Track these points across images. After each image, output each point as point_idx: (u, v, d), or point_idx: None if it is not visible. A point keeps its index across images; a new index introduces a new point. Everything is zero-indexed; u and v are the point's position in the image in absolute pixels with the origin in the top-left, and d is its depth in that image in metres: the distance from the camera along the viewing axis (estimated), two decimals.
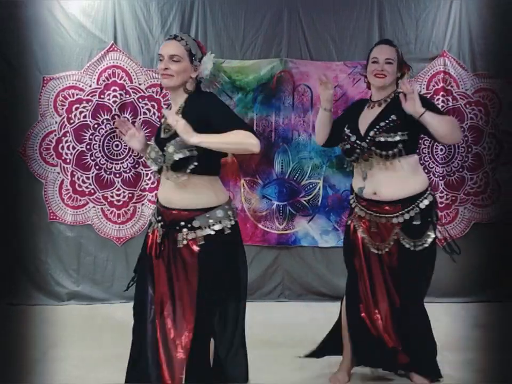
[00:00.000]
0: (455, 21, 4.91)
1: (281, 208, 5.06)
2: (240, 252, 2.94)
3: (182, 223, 2.75)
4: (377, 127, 3.22)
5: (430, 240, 3.27)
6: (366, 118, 3.36)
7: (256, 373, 3.54)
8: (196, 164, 2.67)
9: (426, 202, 3.26)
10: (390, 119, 3.22)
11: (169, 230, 2.79)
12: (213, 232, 2.74)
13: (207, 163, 2.68)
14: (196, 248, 2.75)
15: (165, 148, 2.72)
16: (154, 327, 2.77)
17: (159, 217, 2.82)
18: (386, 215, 3.28)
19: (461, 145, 5.00)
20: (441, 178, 5.02)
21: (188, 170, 2.70)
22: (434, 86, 4.93)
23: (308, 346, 3.97)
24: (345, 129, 3.38)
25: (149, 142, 2.92)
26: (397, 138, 3.18)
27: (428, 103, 3.21)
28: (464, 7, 4.88)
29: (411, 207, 3.24)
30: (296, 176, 5.06)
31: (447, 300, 4.96)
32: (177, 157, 2.67)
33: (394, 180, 3.25)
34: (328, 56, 4.96)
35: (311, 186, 5.08)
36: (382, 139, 3.19)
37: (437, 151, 5.00)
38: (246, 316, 4.45)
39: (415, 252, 3.26)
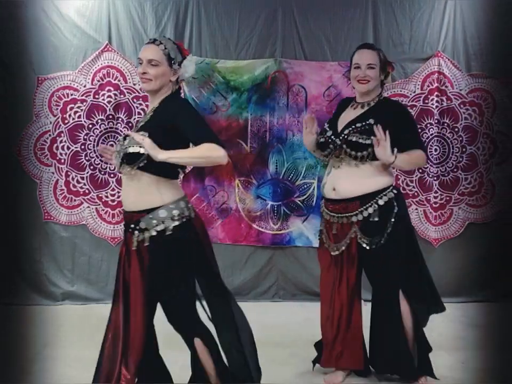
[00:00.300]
0: (450, 21, 4.93)
1: (275, 208, 5.07)
2: (195, 250, 2.86)
3: (133, 225, 2.79)
4: (353, 127, 3.24)
5: (386, 236, 3.23)
6: (346, 116, 3.37)
7: None
8: (145, 161, 2.68)
9: (385, 199, 3.23)
10: (367, 122, 3.23)
11: (126, 232, 2.85)
12: (154, 233, 2.74)
13: (157, 163, 2.67)
14: (144, 250, 2.77)
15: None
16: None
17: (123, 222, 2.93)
18: (347, 214, 3.28)
19: (456, 146, 5.01)
20: (435, 178, 5.03)
21: (136, 166, 2.71)
22: (428, 86, 4.93)
23: (302, 346, 3.96)
24: (325, 123, 3.42)
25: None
26: (368, 141, 3.17)
27: (407, 127, 3.25)
28: (458, 7, 4.91)
29: (369, 203, 3.23)
30: (290, 176, 5.06)
31: (442, 300, 4.52)
32: (128, 150, 2.71)
33: (354, 178, 3.25)
34: (323, 56, 4.96)
35: (305, 186, 5.07)
36: (354, 139, 3.20)
37: (431, 151, 4.99)
38: None
39: (372, 250, 3.25)
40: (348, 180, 3.28)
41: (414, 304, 3.37)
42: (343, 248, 3.34)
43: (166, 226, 2.74)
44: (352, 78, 3.31)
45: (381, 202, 3.24)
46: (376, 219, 3.23)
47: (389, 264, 3.31)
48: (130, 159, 2.71)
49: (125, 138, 2.75)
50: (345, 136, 3.25)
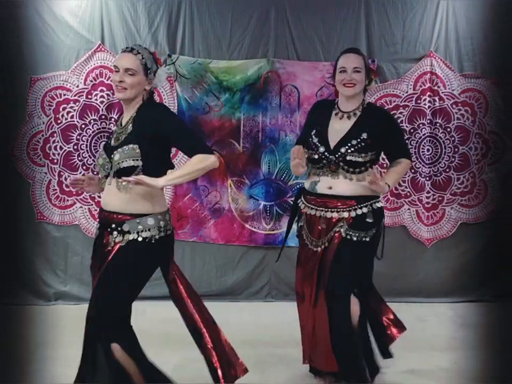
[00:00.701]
0: (442, 21, 4.93)
1: (268, 208, 5.06)
2: (165, 262, 2.93)
3: (113, 226, 2.79)
4: (349, 144, 3.22)
5: (371, 234, 3.27)
6: (336, 129, 3.33)
7: None
8: (141, 173, 2.72)
9: (379, 205, 3.29)
10: (362, 138, 3.22)
11: (102, 231, 2.85)
12: (140, 239, 2.76)
13: (151, 173, 2.72)
14: (115, 249, 2.79)
15: (112, 156, 2.77)
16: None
17: (98, 219, 2.91)
18: (337, 209, 3.28)
19: (448, 146, 5.02)
20: (427, 178, 5.03)
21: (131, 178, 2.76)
22: (421, 86, 4.94)
23: (295, 346, 3.90)
24: (313, 136, 3.36)
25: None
26: (367, 158, 3.21)
27: (395, 136, 3.31)
28: (451, 7, 4.92)
29: (365, 204, 3.25)
30: (283, 177, 5.06)
31: (434, 300, 4.99)
32: (122, 165, 2.72)
33: (352, 181, 3.26)
34: (315, 57, 4.96)
35: (298, 186, 4.99)
36: (354, 159, 3.20)
37: (424, 152, 5.00)
38: (233, 316, 4.53)
39: (354, 242, 3.25)
40: (346, 182, 3.28)
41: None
42: (326, 244, 3.33)
43: (152, 234, 2.77)
44: (337, 82, 3.30)
45: (375, 206, 3.28)
46: (371, 220, 3.26)
47: (363, 257, 3.34)
48: (125, 173, 2.73)
49: (107, 151, 2.77)
50: (343, 155, 3.23)
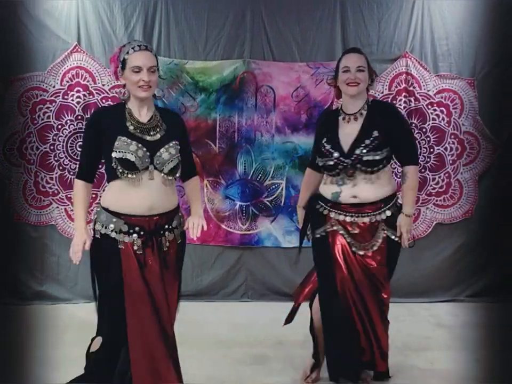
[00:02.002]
0: (417, 22, 4.94)
1: (244, 209, 5.08)
2: None
3: (166, 226, 2.84)
4: (363, 145, 3.21)
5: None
6: (346, 133, 3.32)
7: (218, 372, 3.66)
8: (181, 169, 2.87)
9: (400, 200, 3.36)
10: (374, 136, 3.22)
11: (151, 237, 2.82)
12: (183, 230, 2.93)
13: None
14: (175, 247, 2.91)
15: (161, 150, 2.80)
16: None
17: (136, 228, 2.80)
18: (369, 214, 3.30)
19: (423, 146, 5.02)
20: None
21: (177, 175, 2.87)
22: (396, 87, 4.95)
23: (271, 346, 4.04)
24: (325, 143, 3.34)
25: (122, 138, 2.85)
26: (384, 155, 3.21)
27: (405, 139, 3.31)
28: (426, 8, 4.93)
29: (391, 204, 3.30)
30: (259, 177, 5.08)
31: (409, 300, 4.99)
32: (174, 163, 2.81)
33: (374, 185, 3.27)
34: (291, 57, 4.97)
35: (274, 186, 5.09)
36: (370, 158, 3.20)
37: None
38: (209, 316, 4.64)
39: (398, 243, 3.33)
40: (368, 187, 3.29)
41: None
42: (375, 248, 3.34)
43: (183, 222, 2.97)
44: (340, 82, 3.28)
45: (398, 203, 3.36)
46: (394, 218, 3.31)
47: (397, 258, 3.44)
48: (174, 170, 2.84)
49: (153, 148, 2.78)
50: (359, 157, 3.23)
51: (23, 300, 4.87)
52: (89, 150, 2.88)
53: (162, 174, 2.79)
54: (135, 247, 2.77)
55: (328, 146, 3.31)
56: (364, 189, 3.30)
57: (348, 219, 3.31)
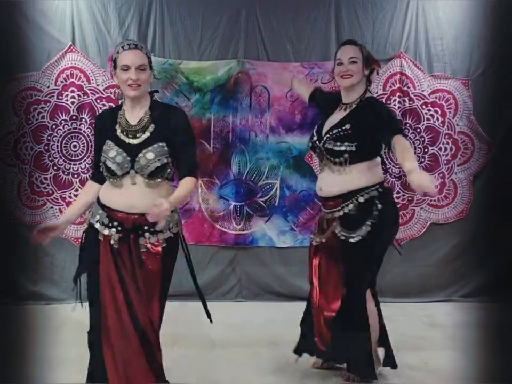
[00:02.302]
0: (412, 22, 4.98)
1: (238, 209, 5.11)
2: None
3: (146, 227, 2.79)
4: (330, 134, 3.28)
5: (365, 232, 3.27)
6: (331, 120, 3.39)
7: (213, 372, 3.63)
8: (169, 170, 2.80)
9: (366, 196, 3.28)
10: (343, 128, 3.26)
11: (128, 234, 2.81)
12: (172, 235, 2.85)
13: (173, 170, 2.84)
14: (158, 250, 2.84)
15: (140, 155, 2.76)
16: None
17: (114, 223, 2.82)
18: (331, 210, 3.35)
19: (418, 146, 5.07)
20: (397, 179, 5.09)
21: (165, 176, 2.79)
22: (391, 87, 5.00)
23: (265, 346, 4.05)
24: (316, 127, 3.45)
25: (109, 142, 2.88)
26: (342, 148, 3.22)
27: (385, 118, 3.25)
28: (420, 8, 4.99)
29: (350, 201, 3.28)
30: (253, 177, 5.11)
31: (403, 300, 5.02)
32: (155, 165, 2.75)
33: (335, 179, 3.31)
34: (286, 57, 5.01)
35: (268, 186, 5.12)
36: (329, 146, 3.26)
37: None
38: (203, 315, 4.32)
39: (350, 244, 3.30)
40: (330, 181, 3.34)
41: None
42: (323, 240, 3.42)
43: (178, 229, 2.89)
44: (336, 75, 3.35)
45: (361, 199, 3.28)
46: (356, 215, 3.28)
47: (362, 260, 3.35)
48: (157, 172, 2.78)
49: (133, 151, 2.75)
50: (324, 143, 3.31)
51: (18, 300, 4.87)
52: (95, 152, 2.95)
53: (143, 178, 2.77)
54: (112, 241, 2.79)
55: (316, 129, 3.45)
56: (328, 182, 3.36)
57: (325, 216, 3.42)
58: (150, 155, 2.75)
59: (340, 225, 3.33)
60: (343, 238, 3.32)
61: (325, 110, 3.56)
